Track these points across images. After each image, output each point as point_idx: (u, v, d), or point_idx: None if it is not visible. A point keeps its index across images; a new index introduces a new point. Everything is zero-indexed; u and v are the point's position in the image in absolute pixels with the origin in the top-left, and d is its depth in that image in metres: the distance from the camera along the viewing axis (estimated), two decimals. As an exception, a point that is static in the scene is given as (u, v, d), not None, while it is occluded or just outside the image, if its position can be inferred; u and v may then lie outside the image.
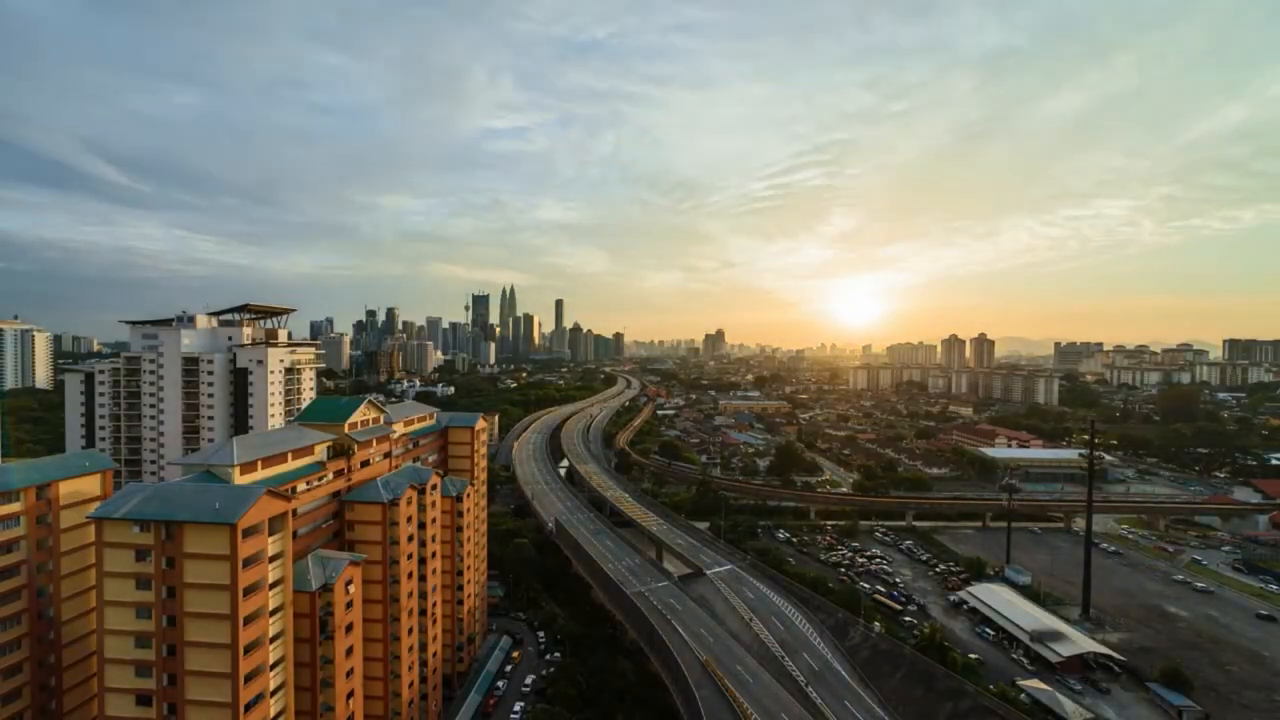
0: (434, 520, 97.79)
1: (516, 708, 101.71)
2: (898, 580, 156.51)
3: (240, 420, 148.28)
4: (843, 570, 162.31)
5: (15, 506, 69.53)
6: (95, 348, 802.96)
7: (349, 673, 71.60)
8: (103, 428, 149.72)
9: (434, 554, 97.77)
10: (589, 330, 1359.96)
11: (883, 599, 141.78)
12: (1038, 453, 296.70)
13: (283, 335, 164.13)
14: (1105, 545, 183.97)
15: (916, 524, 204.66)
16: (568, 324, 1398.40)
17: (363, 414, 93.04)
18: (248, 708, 57.73)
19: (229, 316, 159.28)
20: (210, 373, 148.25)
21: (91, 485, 77.83)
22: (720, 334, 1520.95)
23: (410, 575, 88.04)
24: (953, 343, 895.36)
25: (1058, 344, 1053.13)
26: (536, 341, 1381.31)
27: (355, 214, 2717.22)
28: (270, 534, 61.16)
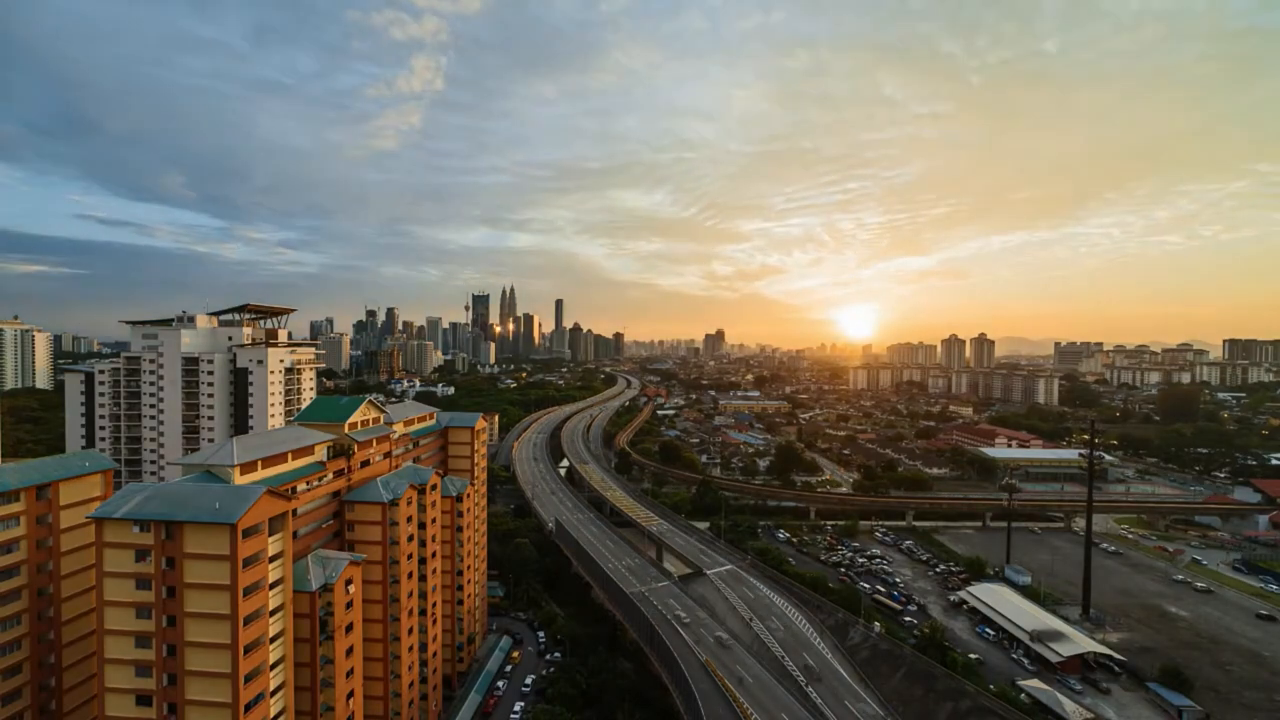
0: (434, 520, 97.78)
1: (516, 708, 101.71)
2: (898, 580, 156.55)
3: (240, 420, 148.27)
4: (843, 570, 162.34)
5: (15, 507, 69.49)
6: (95, 348, 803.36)
7: (349, 673, 71.57)
8: (103, 428, 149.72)
9: (434, 554, 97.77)
10: (589, 330, 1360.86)
11: (883, 599, 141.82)
12: (1038, 453, 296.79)
13: (283, 335, 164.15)
14: (1105, 545, 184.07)
15: (916, 524, 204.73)
16: (568, 324, 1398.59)
17: (363, 414, 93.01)
18: (248, 708, 57.71)
19: (229, 316, 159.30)
20: (210, 373, 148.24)
21: (91, 485, 77.76)
22: (720, 334, 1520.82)
23: (410, 575, 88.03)
24: (953, 343, 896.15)
25: (1058, 344, 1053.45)
26: (536, 341, 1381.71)
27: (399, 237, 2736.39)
28: (270, 534, 61.13)
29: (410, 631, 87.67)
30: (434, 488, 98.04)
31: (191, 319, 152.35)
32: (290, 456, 73.54)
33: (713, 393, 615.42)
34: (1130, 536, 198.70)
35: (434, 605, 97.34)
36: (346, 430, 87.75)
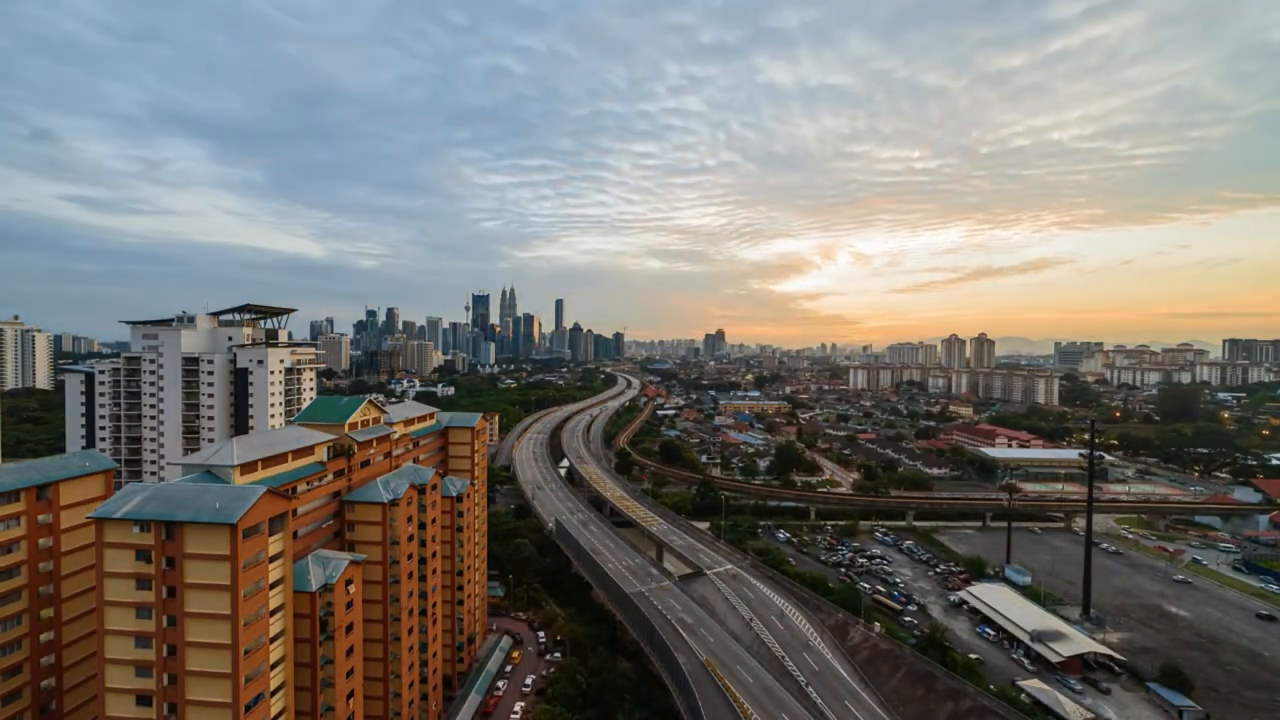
0: (434, 520, 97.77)
1: (516, 708, 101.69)
2: (898, 580, 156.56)
3: (240, 420, 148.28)
4: (843, 570, 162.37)
5: (15, 507, 69.44)
6: (95, 348, 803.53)
7: (349, 673, 71.54)
8: (103, 428, 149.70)
9: (434, 554, 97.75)
10: (589, 330, 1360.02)
11: (883, 599, 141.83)
12: (1038, 453, 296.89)
13: (283, 335, 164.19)
14: (1105, 545, 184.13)
15: (917, 524, 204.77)
16: (568, 324, 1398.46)
17: (363, 414, 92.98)
18: (248, 708, 57.68)
19: (229, 316, 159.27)
20: (210, 373, 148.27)
21: (92, 486, 77.69)
22: (720, 334, 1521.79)
23: (410, 575, 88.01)
24: (953, 343, 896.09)
25: (1058, 344, 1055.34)
26: (536, 341, 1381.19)
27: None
28: (271, 534, 61.07)
29: (410, 631, 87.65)
30: (434, 488, 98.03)
31: (191, 319, 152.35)
32: (290, 457, 73.51)
33: (713, 393, 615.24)
34: (1130, 536, 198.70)
35: (434, 605, 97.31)
36: (347, 430, 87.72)
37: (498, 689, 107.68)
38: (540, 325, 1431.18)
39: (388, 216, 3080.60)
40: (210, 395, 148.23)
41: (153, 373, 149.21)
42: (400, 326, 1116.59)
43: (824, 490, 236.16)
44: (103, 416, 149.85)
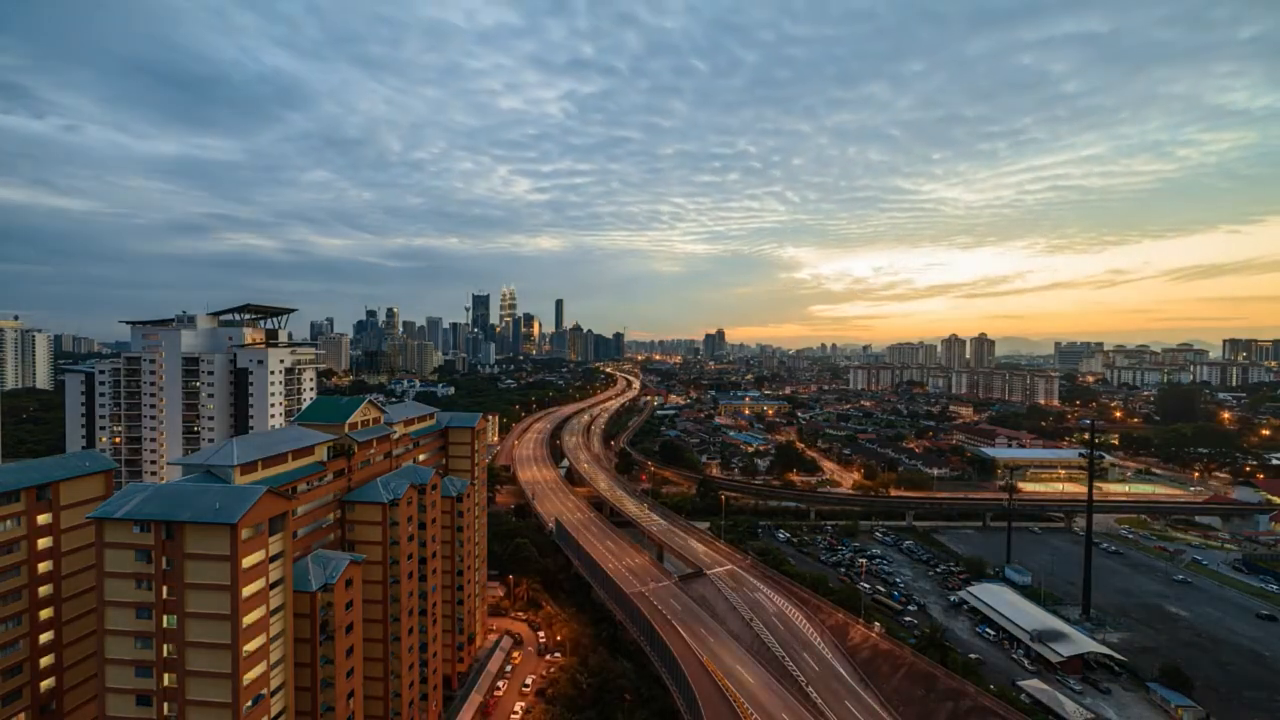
0: (434, 520, 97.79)
1: (516, 708, 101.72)
2: (898, 580, 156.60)
3: (240, 420, 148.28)
4: (843, 570, 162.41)
5: (15, 507, 69.40)
6: (95, 348, 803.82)
7: (349, 673, 71.55)
8: (103, 428, 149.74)
9: (434, 554, 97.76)
10: (589, 330, 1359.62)
11: (883, 599, 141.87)
12: (1038, 453, 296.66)
13: (283, 335, 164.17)
14: (1105, 545, 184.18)
15: (917, 524, 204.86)
16: (568, 324, 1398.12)
17: (363, 414, 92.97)
18: (248, 708, 57.73)
19: (229, 316, 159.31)
20: (210, 373, 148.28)
21: (92, 485, 77.64)
22: (720, 334, 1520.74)
23: (410, 575, 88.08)
24: (953, 343, 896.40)
25: (1058, 344, 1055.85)
26: (536, 341, 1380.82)
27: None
28: (271, 534, 61.08)
29: (410, 631, 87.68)
30: (434, 488, 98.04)
31: (191, 319, 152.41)
32: (290, 457, 73.51)
33: (713, 393, 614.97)
34: (1130, 536, 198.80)
35: (434, 605, 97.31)
36: (347, 430, 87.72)
37: (498, 689, 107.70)
38: (540, 325, 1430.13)
39: (431, 226, 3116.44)
40: (210, 395, 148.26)
41: (152, 373, 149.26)
42: (400, 327, 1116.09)
43: (824, 490, 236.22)
44: (103, 417, 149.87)
